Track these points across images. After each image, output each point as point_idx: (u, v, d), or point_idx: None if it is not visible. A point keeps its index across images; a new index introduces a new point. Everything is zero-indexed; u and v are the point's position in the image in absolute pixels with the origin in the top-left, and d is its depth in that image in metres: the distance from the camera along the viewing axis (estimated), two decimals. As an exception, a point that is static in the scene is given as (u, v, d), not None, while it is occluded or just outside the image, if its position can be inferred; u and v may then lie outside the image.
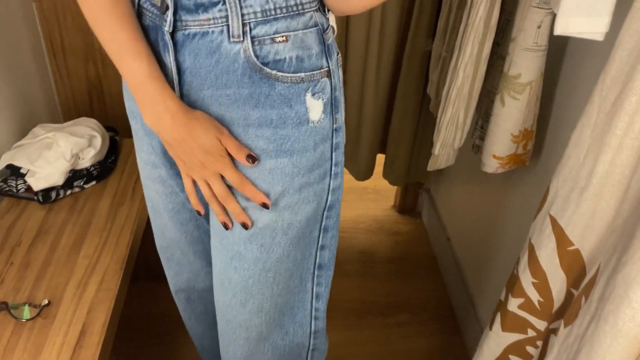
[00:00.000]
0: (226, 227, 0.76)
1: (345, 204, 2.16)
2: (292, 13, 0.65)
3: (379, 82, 1.56)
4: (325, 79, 0.70)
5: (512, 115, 1.05)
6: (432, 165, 1.22)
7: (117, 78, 1.60)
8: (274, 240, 0.77)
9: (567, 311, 0.77)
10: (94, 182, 1.29)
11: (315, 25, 0.68)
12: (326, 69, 0.70)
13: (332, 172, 0.76)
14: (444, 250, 1.82)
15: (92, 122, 1.33)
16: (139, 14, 0.70)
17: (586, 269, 0.75)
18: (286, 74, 0.67)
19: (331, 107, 0.72)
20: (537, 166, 1.17)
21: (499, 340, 0.90)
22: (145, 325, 1.56)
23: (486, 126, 1.14)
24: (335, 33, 0.74)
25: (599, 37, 0.67)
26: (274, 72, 0.66)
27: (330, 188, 0.77)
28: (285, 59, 0.67)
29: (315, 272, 0.84)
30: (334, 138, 0.74)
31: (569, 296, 0.80)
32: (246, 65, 0.66)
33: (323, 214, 0.79)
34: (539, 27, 0.94)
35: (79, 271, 1.06)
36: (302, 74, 0.68)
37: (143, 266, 1.49)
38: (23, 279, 1.04)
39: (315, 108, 0.70)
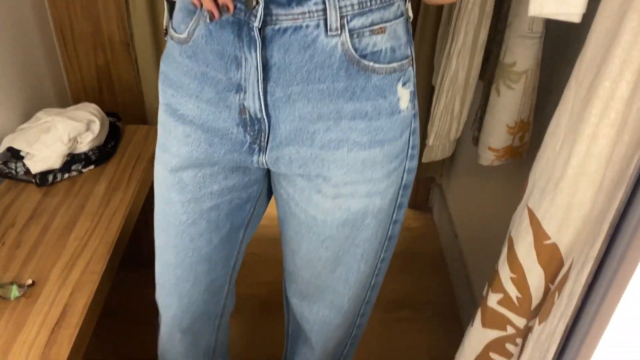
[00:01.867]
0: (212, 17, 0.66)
1: (357, 197, 2.14)
2: (384, 4, 0.66)
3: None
4: (410, 68, 0.72)
5: (507, 106, 1.01)
6: (427, 157, 1.19)
7: (126, 66, 1.62)
8: (363, 222, 0.81)
9: (541, 309, 0.74)
10: (92, 167, 1.31)
11: (402, 14, 0.69)
12: (411, 57, 0.72)
13: (409, 154, 0.79)
14: (451, 247, 1.78)
15: (93, 107, 1.34)
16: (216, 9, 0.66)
17: (563, 264, 0.72)
18: (382, 65, 0.68)
19: (414, 94, 0.74)
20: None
21: (479, 336, 0.87)
22: (137, 313, 1.58)
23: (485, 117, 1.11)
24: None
25: (576, 19, 0.63)
26: (371, 63, 0.67)
27: (407, 168, 0.80)
28: (381, 50, 0.67)
29: (385, 243, 0.88)
30: (413, 123, 0.76)
31: (546, 292, 0.76)
32: (344, 59, 0.66)
33: (399, 193, 0.82)
34: (532, 12, 0.90)
35: (67, 253, 1.08)
36: (395, 64, 0.69)
37: (136, 254, 1.50)
38: (12, 259, 1.06)
39: (404, 97, 0.72)
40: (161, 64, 0.78)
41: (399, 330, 1.59)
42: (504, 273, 0.80)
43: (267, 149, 0.74)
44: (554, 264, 0.73)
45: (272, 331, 1.51)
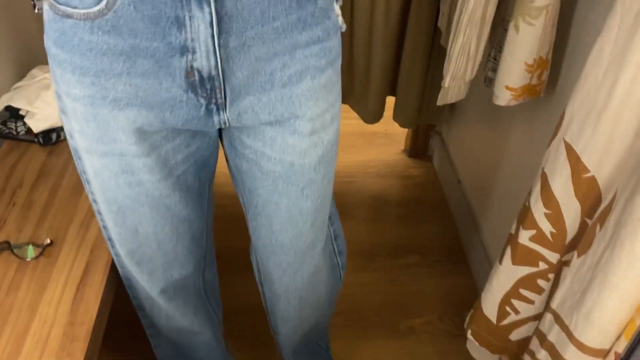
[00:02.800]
0: None
1: (355, 149, 2.12)
2: None
3: (388, 18, 1.49)
4: None
5: (526, 43, 0.99)
6: (442, 99, 1.17)
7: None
8: (331, 153, 0.81)
9: (580, 241, 0.74)
10: (95, 124, 1.26)
11: None
12: None
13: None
14: (454, 193, 1.79)
15: (91, 62, 1.29)
16: None
17: (602, 197, 0.72)
18: None
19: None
20: (552, 98, 1.11)
21: (509, 273, 0.88)
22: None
23: (499, 57, 1.09)
24: None
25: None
26: None
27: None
28: None
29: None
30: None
31: (582, 226, 0.76)
32: None
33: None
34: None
35: (81, 212, 1.05)
36: None
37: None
38: (26, 219, 1.03)
39: (338, 12, 0.72)
40: (54, 51, 0.66)
41: (408, 275, 1.61)
42: (538, 209, 0.80)
43: (227, 105, 0.69)
44: (591, 197, 0.73)
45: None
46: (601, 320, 0.67)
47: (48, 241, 0.97)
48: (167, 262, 0.89)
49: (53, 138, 1.20)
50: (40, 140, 1.19)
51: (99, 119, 0.69)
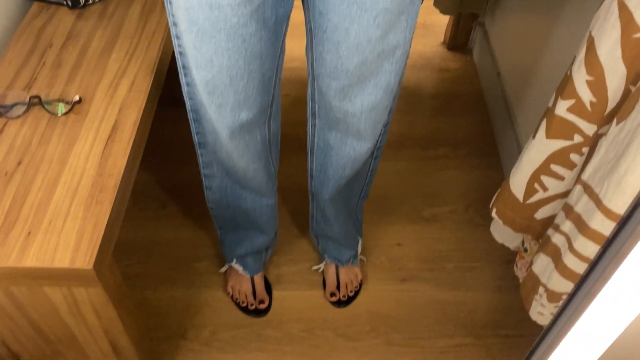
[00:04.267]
0: None
1: (392, 40, 2.05)
2: None
3: None
4: None
5: None
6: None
7: None
8: None
9: (621, 109, 0.70)
10: (123, -11, 1.23)
11: None
12: None
13: None
14: (493, 86, 1.72)
15: None
16: None
17: (651, 60, 0.67)
18: None
19: None
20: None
21: (541, 148, 0.85)
22: (166, 149, 1.59)
23: None
24: None
25: None
26: None
27: None
28: None
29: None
30: None
31: (625, 94, 0.72)
32: None
33: None
34: None
35: (110, 73, 1.04)
36: None
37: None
38: (55, 78, 1.03)
39: None
40: None
41: (437, 166, 1.59)
42: (579, 76, 0.75)
43: None
44: (639, 60, 0.68)
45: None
46: (633, 185, 0.64)
47: (77, 98, 0.98)
48: (236, 102, 0.90)
49: (81, 1, 1.18)
50: (69, 2, 1.17)
51: None
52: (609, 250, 0.44)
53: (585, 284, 0.50)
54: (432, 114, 1.76)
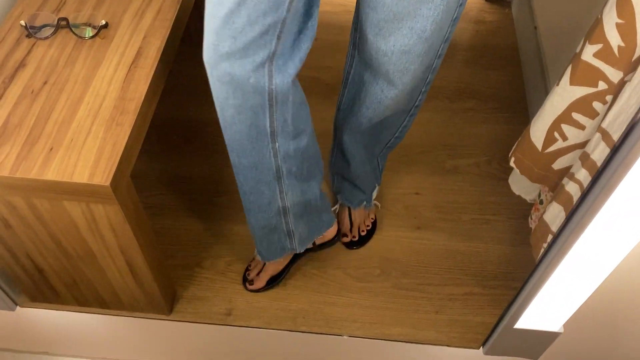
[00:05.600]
0: None
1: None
2: None
3: None
4: None
5: None
6: None
7: None
8: None
9: (649, 53, 0.67)
10: None
11: None
12: None
13: None
14: (528, 40, 1.67)
15: None
16: None
17: (685, 2, 0.64)
18: None
19: None
20: None
21: (564, 95, 0.83)
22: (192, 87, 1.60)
23: None
24: None
25: None
26: None
27: None
28: None
29: None
30: None
31: (656, 39, 0.69)
32: None
33: None
34: None
35: (137, 1, 1.05)
36: None
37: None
38: (84, 2, 1.04)
39: None
40: None
41: (463, 119, 1.57)
42: (610, 20, 0.73)
43: None
44: (673, 2, 0.65)
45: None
46: (651, 131, 0.62)
47: (103, 22, 0.99)
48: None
49: None
50: None
51: None
52: (601, 178, 0.43)
53: (577, 213, 0.49)
54: (464, 66, 1.73)
